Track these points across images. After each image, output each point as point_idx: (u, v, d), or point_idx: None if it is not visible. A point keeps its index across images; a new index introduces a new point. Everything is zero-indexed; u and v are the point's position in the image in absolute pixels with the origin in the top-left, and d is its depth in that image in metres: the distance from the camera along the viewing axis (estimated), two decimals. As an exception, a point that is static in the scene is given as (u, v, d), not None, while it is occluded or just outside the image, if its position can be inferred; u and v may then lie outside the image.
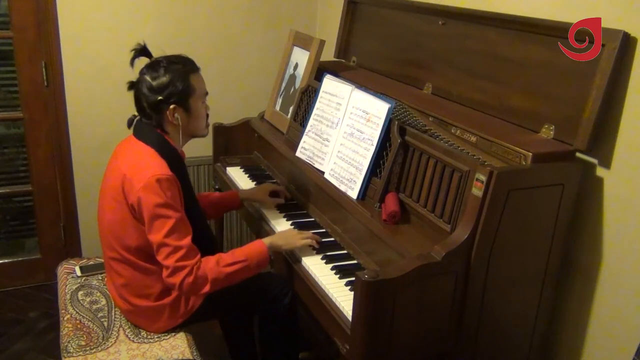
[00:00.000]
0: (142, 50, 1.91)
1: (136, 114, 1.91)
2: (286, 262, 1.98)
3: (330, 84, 2.23)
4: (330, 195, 2.06)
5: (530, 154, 1.59)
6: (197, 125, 1.93)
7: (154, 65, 1.84)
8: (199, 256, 1.78)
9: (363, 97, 2.05)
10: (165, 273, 1.76)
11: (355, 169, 1.99)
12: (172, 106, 1.83)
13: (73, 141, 2.98)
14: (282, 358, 2.12)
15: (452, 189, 1.68)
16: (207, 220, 2.16)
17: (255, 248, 1.88)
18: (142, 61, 1.91)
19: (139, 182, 1.75)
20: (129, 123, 1.94)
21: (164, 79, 1.81)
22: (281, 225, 2.16)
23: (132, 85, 1.88)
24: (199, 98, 1.89)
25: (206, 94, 1.94)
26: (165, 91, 1.81)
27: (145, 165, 1.79)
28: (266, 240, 1.91)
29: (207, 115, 1.97)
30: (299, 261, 1.93)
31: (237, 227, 3.36)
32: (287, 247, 1.94)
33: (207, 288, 1.77)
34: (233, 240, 3.36)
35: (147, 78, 1.83)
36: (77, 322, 1.94)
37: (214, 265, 1.78)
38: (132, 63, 1.89)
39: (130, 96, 2.88)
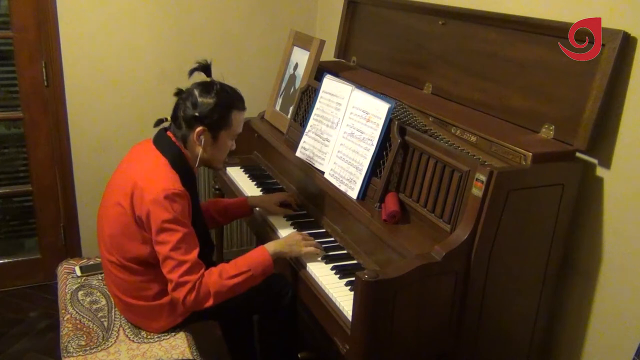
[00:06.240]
0: (204, 67, 1.94)
1: (167, 117, 1.94)
2: (290, 267, 1.97)
3: (330, 84, 2.23)
4: (330, 195, 2.06)
5: (530, 154, 1.59)
6: (216, 157, 1.95)
7: (207, 85, 1.88)
8: (202, 270, 1.76)
9: (363, 97, 2.05)
10: (169, 287, 1.76)
11: (355, 169, 1.99)
12: (203, 127, 1.85)
13: (73, 141, 2.98)
14: (282, 358, 2.12)
15: (452, 189, 1.68)
16: (210, 228, 2.17)
17: (259, 256, 1.85)
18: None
19: (150, 194, 1.75)
20: (157, 123, 1.95)
21: (209, 100, 1.84)
22: (281, 224, 2.16)
23: (179, 93, 1.91)
24: (230, 134, 1.92)
25: (238, 134, 1.96)
26: (204, 111, 1.84)
27: (158, 178, 1.79)
28: (269, 248, 1.88)
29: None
30: (304, 267, 1.91)
31: (237, 228, 3.35)
32: (291, 254, 1.93)
33: (210, 302, 1.76)
34: (234, 243, 3.35)
35: (196, 93, 1.86)
36: (77, 322, 1.94)
37: (217, 279, 1.76)
38: (190, 74, 1.92)
39: (129, 96, 2.88)
